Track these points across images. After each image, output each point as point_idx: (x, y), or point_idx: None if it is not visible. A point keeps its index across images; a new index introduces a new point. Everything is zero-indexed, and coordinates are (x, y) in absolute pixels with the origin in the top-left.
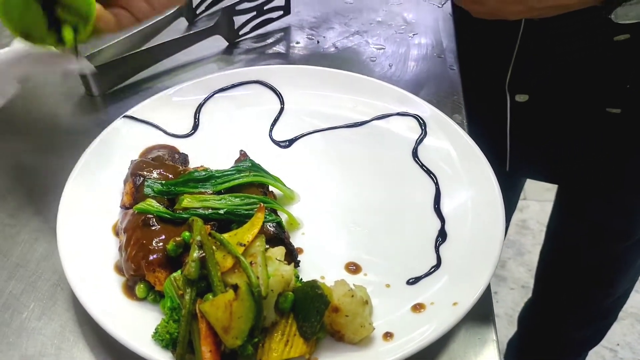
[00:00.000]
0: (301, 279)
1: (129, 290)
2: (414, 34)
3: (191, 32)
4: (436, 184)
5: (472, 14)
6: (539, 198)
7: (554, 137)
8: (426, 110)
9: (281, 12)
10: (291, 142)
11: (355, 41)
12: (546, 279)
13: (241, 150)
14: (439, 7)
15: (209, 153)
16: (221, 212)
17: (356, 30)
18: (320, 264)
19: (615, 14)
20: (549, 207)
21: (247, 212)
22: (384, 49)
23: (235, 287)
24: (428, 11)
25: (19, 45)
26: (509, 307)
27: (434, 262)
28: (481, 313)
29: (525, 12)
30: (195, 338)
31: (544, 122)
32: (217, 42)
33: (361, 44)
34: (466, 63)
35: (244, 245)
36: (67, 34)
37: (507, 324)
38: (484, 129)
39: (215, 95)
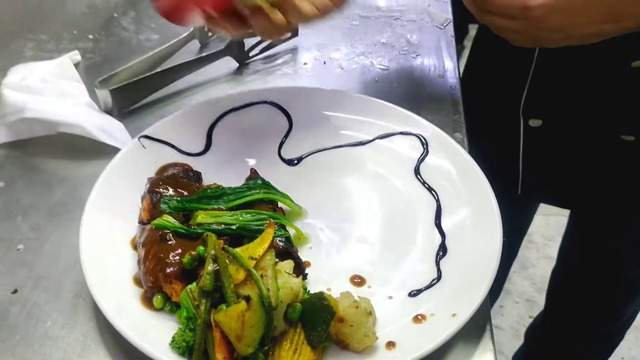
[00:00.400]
0: (309, 291)
1: (147, 301)
2: (417, 55)
3: (203, 54)
4: (437, 200)
5: (510, 43)
6: (543, 212)
7: (567, 162)
8: (428, 129)
9: (289, 35)
10: (299, 160)
11: (361, 62)
12: (556, 297)
13: (252, 169)
14: (441, 28)
15: (221, 170)
16: (233, 227)
17: (361, 51)
18: (326, 277)
19: None
20: (553, 221)
21: (257, 227)
22: (388, 69)
23: (247, 299)
24: (431, 33)
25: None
26: (514, 320)
27: (435, 275)
28: (480, 324)
29: (563, 39)
30: (209, 346)
31: (558, 147)
32: (228, 63)
33: (366, 65)
34: (479, 87)
35: (255, 259)
36: None
37: (512, 337)
38: (496, 152)
39: (226, 115)
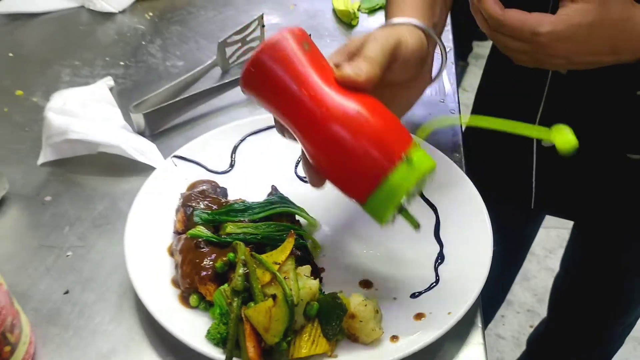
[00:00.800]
0: (324, 292)
1: (184, 300)
2: None
3: (225, 80)
4: (436, 213)
5: (514, 62)
6: (545, 225)
7: (578, 179)
8: (431, 149)
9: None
10: None
11: None
12: (558, 305)
13: (272, 185)
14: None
15: (244, 187)
16: (258, 237)
17: None
18: (338, 281)
19: None
20: (554, 234)
21: (278, 237)
22: None
23: (274, 297)
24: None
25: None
26: (515, 330)
27: (434, 280)
28: (472, 321)
29: (564, 64)
30: (241, 337)
31: (568, 165)
32: None
33: None
34: (492, 109)
35: (279, 264)
36: (408, 216)
37: (513, 345)
38: (510, 170)
39: (248, 137)
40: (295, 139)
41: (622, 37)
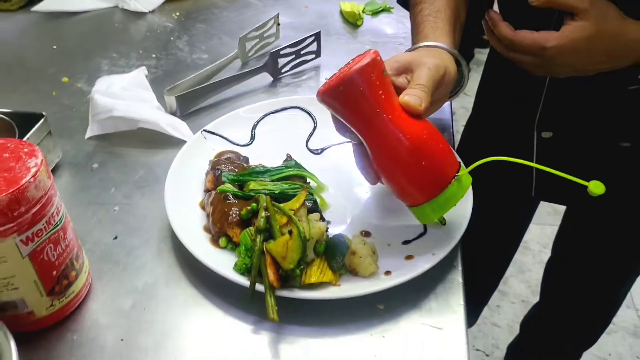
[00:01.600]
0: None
1: (214, 242)
2: None
3: (245, 70)
4: None
5: (530, 73)
6: (539, 222)
7: (575, 167)
8: None
9: (314, 56)
10: (322, 150)
11: None
12: (550, 286)
13: (287, 154)
14: None
15: (263, 156)
16: (276, 192)
17: None
18: (342, 231)
19: None
20: (548, 230)
21: (293, 193)
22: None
23: (290, 232)
24: None
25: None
26: (510, 319)
27: (422, 230)
28: (453, 264)
29: (570, 72)
30: (262, 266)
31: (566, 155)
32: (265, 78)
33: None
34: (494, 105)
35: (294, 210)
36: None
37: (507, 333)
38: (511, 162)
39: (266, 117)
40: (357, 141)
41: (617, 47)
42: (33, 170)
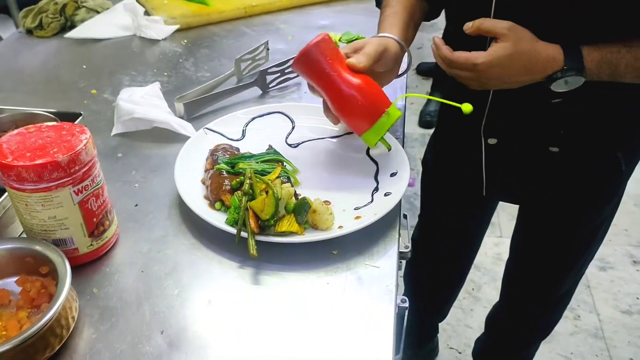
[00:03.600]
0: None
1: (212, 206)
2: None
3: (240, 84)
4: (377, 165)
5: (469, 87)
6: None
7: (517, 170)
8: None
9: (296, 74)
10: (297, 145)
11: None
12: (508, 284)
13: (269, 145)
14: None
15: (250, 148)
16: (259, 169)
17: None
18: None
19: (552, 86)
20: None
21: (271, 170)
22: None
23: (267, 192)
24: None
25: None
26: (481, 321)
27: (370, 200)
28: (392, 225)
29: (500, 85)
30: (246, 219)
31: (509, 159)
32: (255, 91)
33: None
34: (447, 117)
35: (271, 179)
36: (384, 142)
37: (479, 334)
38: (464, 164)
39: (254, 119)
40: (320, 96)
41: (532, 63)
42: (84, 141)
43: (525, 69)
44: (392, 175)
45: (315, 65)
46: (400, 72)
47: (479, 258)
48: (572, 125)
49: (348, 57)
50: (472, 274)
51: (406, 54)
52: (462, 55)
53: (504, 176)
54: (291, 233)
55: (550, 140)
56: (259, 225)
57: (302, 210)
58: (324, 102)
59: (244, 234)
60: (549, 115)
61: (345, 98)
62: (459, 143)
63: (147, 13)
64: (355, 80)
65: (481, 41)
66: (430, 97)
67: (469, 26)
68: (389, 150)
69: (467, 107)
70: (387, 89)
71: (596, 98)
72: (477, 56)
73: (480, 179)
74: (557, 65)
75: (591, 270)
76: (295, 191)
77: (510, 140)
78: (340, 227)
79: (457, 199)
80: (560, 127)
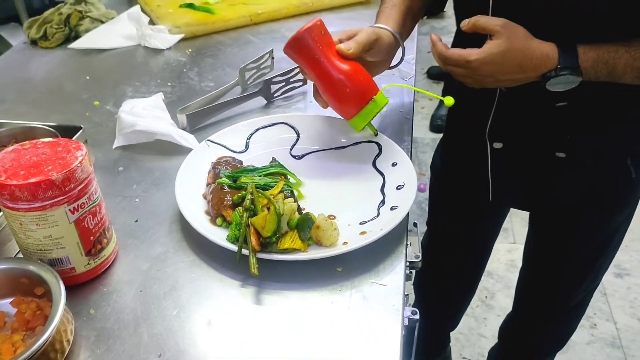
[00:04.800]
0: None
1: (213, 222)
2: None
3: (244, 94)
4: (383, 178)
5: (467, 85)
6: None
7: (523, 175)
8: (384, 139)
9: (301, 83)
10: (301, 156)
11: None
12: (522, 293)
13: (273, 157)
14: (405, 80)
15: (254, 161)
16: (261, 183)
17: None
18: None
19: (547, 85)
20: None
21: (274, 184)
22: None
23: (268, 208)
24: (398, 82)
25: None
26: (495, 330)
27: (375, 215)
28: (400, 239)
29: (494, 82)
30: (247, 236)
31: (515, 163)
32: (260, 101)
33: None
34: (454, 121)
35: (273, 194)
36: (371, 127)
37: (493, 343)
38: (471, 169)
39: (258, 130)
40: (310, 79)
41: (525, 60)
42: (80, 158)
43: (519, 66)
44: (399, 188)
45: (306, 50)
46: (392, 64)
47: (492, 265)
48: (578, 131)
49: (341, 43)
50: (485, 282)
51: (401, 46)
52: (456, 52)
53: (511, 181)
54: (294, 250)
55: (556, 146)
56: (261, 242)
57: (305, 226)
58: (314, 86)
59: (245, 252)
60: (554, 119)
61: (334, 83)
62: (466, 147)
63: (151, 22)
64: (344, 66)
65: (482, 38)
66: (417, 90)
67: (465, 23)
68: (375, 135)
69: (448, 100)
70: (395, 90)
71: (602, 102)
72: (471, 53)
73: (486, 184)
74: (551, 63)
75: (607, 277)
76: (298, 205)
77: (516, 145)
78: (345, 243)
79: (465, 204)
80: (565, 132)
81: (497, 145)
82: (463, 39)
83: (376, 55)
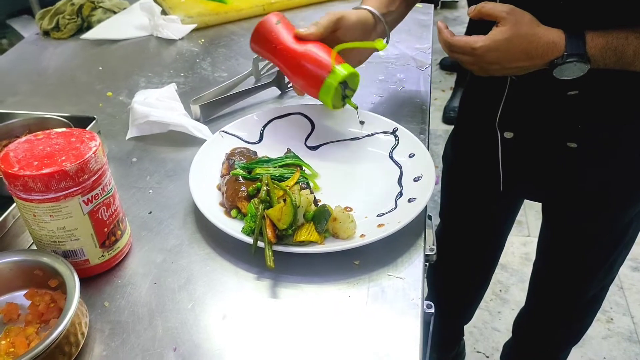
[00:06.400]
0: None
1: (227, 213)
2: (402, 88)
3: (257, 85)
4: (400, 170)
5: (474, 73)
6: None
7: (535, 165)
8: (401, 130)
9: None
10: (317, 147)
11: (364, 92)
12: (536, 286)
13: (288, 148)
14: (421, 70)
15: (268, 152)
16: (276, 175)
17: (364, 85)
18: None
19: (555, 73)
20: None
21: (290, 175)
22: (382, 97)
23: (284, 200)
24: (414, 73)
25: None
26: (509, 324)
27: (393, 207)
28: (417, 230)
29: (500, 70)
30: (263, 228)
31: (526, 153)
32: (273, 91)
33: (366, 94)
34: (465, 110)
35: (289, 186)
36: (349, 102)
37: (507, 337)
38: (481, 158)
39: (272, 121)
40: (280, 70)
41: (531, 47)
42: (93, 149)
43: (525, 53)
44: (416, 179)
45: (263, 42)
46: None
47: (506, 258)
48: (590, 120)
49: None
50: (500, 275)
51: (385, 24)
52: (461, 39)
53: (522, 171)
54: (310, 243)
55: (568, 135)
56: (277, 235)
57: (322, 218)
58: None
59: (260, 244)
60: (565, 108)
61: (293, 66)
62: (476, 137)
63: (164, 12)
64: (301, 47)
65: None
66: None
67: (471, 10)
68: (356, 109)
69: (379, 44)
70: (412, 79)
71: (614, 90)
72: (476, 40)
73: (497, 174)
74: (557, 50)
75: (624, 270)
76: (314, 197)
77: (527, 135)
78: (362, 235)
79: (476, 195)
80: (577, 122)
81: (508, 134)
82: (475, 28)
83: (347, 34)
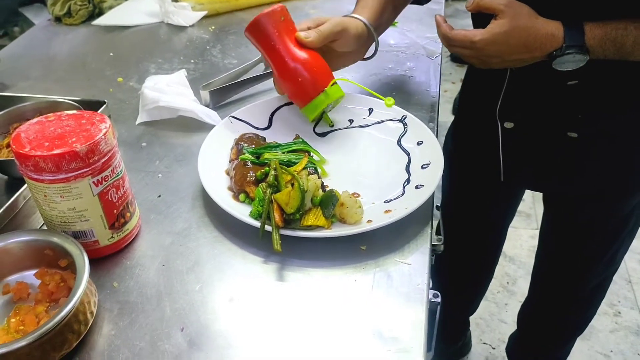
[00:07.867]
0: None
1: (236, 198)
2: (412, 76)
3: (267, 71)
4: (409, 157)
5: (474, 66)
6: None
7: (535, 155)
8: (410, 118)
9: None
10: (325, 134)
11: (373, 80)
12: (538, 276)
13: (296, 134)
14: (431, 59)
15: (277, 138)
16: (284, 160)
17: (374, 73)
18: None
19: (554, 64)
20: None
21: (298, 161)
22: (392, 84)
23: (292, 184)
24: (424, 62)
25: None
26: (516, 316)
27: (401, 193)
28: (426, 216)
29: (500, 63)
30: (271, 212)
31: (527, 143)
32: None
33: (376, 82)
34: (466, 101)
35: (297, 170)
36: (326, 118)
37: (513, 329)
38: (482, 149)
39: (281, 107)
40: (269, 65)
41: (530, 39)
42: (104, 131)
43: (524, 46)
44: (424, 167)
45: (263, 35)
46: (366, 56)
47: (514, 251)
48: (590, 110)
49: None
50: (507, 267)
51: (376, 38)
52: (460, 33)
53: (522, 162)
54: (317, 227)
55: (568, 125)
56: (284, 219)
57: (329, 203)
58: (274, 72)
59: (268, 228)
60: (565, 98)
61: (287, 71)
62: (477, 127)
63: None
64: (300, 55)
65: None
66: (364, 87)
67: (469, 3)
68: (331, 126)
69: (389, 101)
70: (422, 68)
71: (614, 80)
72: (475, 33)
73: (498, 164)
74: (556, 42)
75: (632, 264)
76: (322, 183)
77: (527, 124)
78: (369, 221)
79: (477, 185)
80: (577, 111)
81: (508, 125)
82: (480, 21)
83: (344, 46)
